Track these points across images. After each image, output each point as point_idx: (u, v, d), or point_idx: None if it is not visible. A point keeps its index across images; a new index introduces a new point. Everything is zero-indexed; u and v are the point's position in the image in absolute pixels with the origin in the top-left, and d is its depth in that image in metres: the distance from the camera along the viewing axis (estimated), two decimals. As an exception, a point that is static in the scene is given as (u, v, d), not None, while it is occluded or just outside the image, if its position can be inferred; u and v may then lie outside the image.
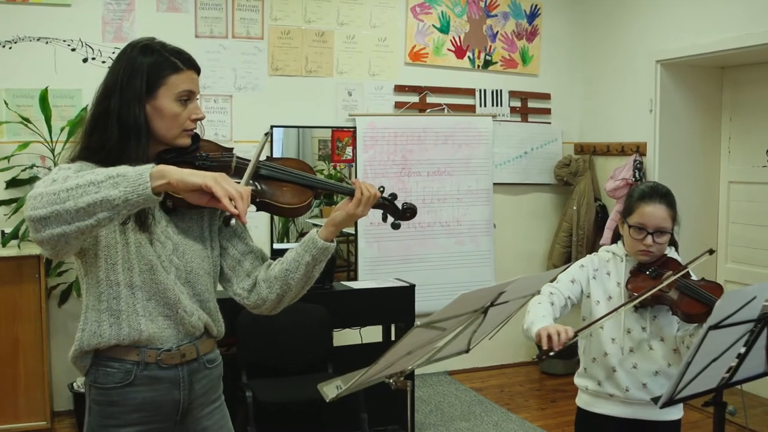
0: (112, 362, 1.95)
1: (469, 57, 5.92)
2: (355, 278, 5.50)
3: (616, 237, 2.85)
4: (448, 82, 5.88)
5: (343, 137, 5.55)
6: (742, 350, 2.04)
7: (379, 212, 2.17)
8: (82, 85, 5.03)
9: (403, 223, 2.16)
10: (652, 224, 2.62)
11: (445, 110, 5.83)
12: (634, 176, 5.43)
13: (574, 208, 5.85)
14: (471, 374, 5.91)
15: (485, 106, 5.95)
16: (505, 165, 6.04)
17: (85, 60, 5.05)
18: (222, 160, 2.05)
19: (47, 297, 4.88)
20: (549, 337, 2.34)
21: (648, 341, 2.65)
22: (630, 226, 2.68)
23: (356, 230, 5.51)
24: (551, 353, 2.32)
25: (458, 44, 5.87)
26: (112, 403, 1.96)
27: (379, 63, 5.69)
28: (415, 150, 5.69)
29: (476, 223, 5.88)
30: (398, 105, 5.73)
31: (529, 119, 6.14)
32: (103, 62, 5.07)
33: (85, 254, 1.94)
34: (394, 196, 2.16)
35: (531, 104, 6.14)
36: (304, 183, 2.07)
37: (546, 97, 6.19)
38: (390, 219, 2.15)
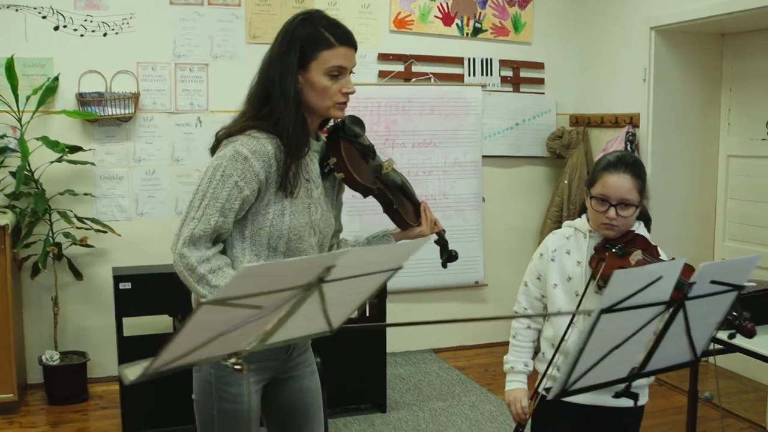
0: None
1: (457, 24, 5.69)
2: (336, 253, 5.36)
3: (582, 210, 2.66)
4: (435, 50, 5.66)
5: (323, 107, 5.38)
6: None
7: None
8: (53, 54, 4.92)
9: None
10: (615, 195, 2.42)
11: (432, 80, 5.62)
12: (626, 149, 5.20)
13: (566, 182, 5.63)
14: (457, 352, 5.75)
15: (474, 75, 5.73)
16: (495, 137, 5.82)
17: (56, 28, 4.92)
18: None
19: (19, 269, 4.82)
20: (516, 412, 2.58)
21: None
22: (592, 197, 2.48)
23: (336, 203, 5.37)
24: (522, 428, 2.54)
25: (446, 11, 5.65)
26: None
27: (363, 30, 5.48)
28: (400, 120, 5.50)
29: (464, 197, 5.69)
30: (382, 74, 5.54)
31: (521, 89, 5.90)
32: (75, 30, 4.95)
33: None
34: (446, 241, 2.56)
35: (523, 74, 5.90)
36: (416, 206, 2.45)
37: (539, 66, 5.94)
38: (444, 257, 2.54)
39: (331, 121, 2.30)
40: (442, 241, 2.55)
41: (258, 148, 2.06)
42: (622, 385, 1.89)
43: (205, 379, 2.16)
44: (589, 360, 1.72)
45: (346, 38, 2.14)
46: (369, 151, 2.31)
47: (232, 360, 1.47)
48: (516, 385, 2.60)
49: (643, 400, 2.57)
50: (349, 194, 2.41)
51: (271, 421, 2.39)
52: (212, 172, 2.06)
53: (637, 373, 1.87)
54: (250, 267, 1.18)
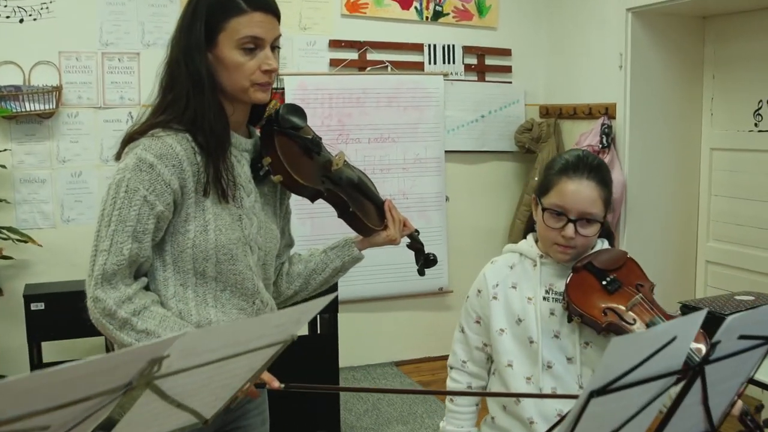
0: None
1: (416, 8, 5.20)
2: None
3: (529, 228, 2.15)
4: (392, 36, 5.17)
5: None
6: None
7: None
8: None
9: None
10: (575, 208, 1.89)
11: (389, 68, 5.14)
12: (602, 142, 4.76)
13: (536, 178, 5.18)
14: (420, 365, 5.29)
15: (435, 63, 5.25)
16: (459, 130, 5.36)
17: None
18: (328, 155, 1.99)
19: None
20: None
21: (577, 377, 1.91)
22: (545, 209, 1.95)
23: (285, 206, 4.89)
24: None
25: (403, -7, 5.17)
26: None
27: (312, 15, 4.99)
28: (354, 114, 5.02)
29: (426, 196, 5.23)
30: (334, 63, 5.04)
31: (487, 78, 5.43)
32: (-13, 18, 4.39)
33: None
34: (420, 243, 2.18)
35: (489, 61, 5.42)
36: (379, 206, 2.07)
37: (506, 53, 5.47)
38: (420, 262, 2.17)
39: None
40: (416, 245, 2.17)
41: (164, 151, 1.68)
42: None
43: None
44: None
45: (260, 3, 1.74)
46: (313, 146, 1.90)
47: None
48: None
49: None
50: (295, 197, 1.95)
51: None
52: (115, 189, 1.68)
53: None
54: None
